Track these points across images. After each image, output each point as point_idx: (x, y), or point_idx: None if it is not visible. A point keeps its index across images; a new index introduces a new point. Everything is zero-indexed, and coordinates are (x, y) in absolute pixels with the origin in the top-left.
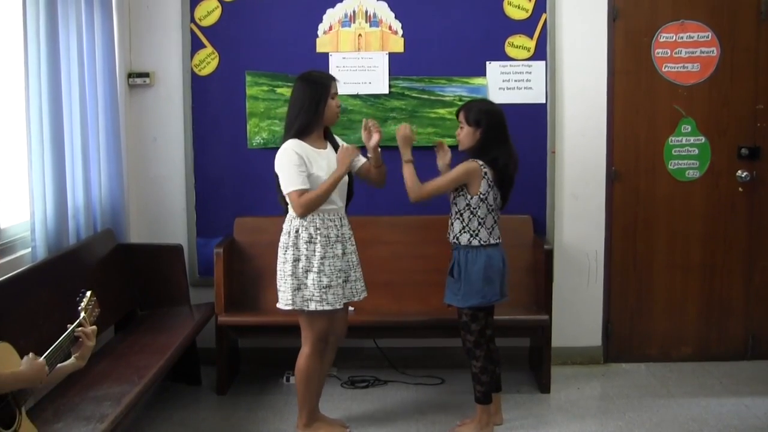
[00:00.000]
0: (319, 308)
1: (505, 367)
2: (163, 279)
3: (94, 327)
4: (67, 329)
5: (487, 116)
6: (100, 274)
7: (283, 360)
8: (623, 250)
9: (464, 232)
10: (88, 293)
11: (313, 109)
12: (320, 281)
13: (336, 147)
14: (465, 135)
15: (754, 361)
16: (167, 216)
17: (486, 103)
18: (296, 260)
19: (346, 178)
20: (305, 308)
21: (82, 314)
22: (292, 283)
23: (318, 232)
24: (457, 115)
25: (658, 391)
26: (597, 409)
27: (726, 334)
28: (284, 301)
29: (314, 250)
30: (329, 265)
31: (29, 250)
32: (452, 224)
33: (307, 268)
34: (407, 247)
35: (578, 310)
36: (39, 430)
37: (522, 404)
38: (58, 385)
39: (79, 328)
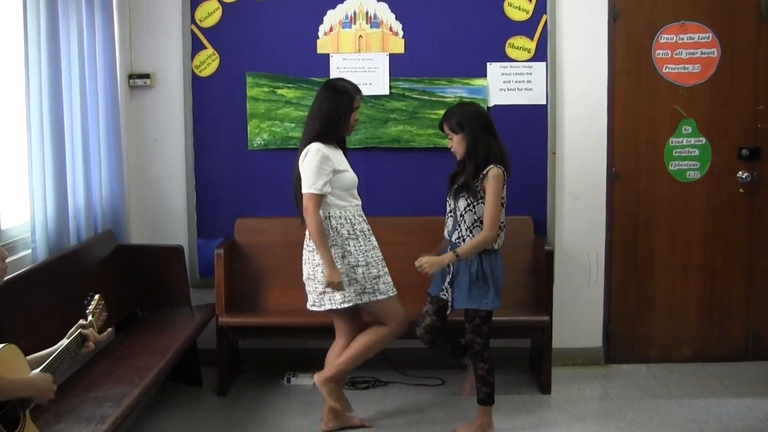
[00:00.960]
0: (379, 298)
1: (506, 369)
2: (163, 280)
3: (107, 333)
4: (73, 332)
5: (469, 118)
6: (101, 275)
7: (284, 361)
8: (624, 251)
9: (467, 234)
10: (96, 297)
11: (335, 119)
12: (369, 273)
13: (345, 150)
14: (457, 143)
15: (754, 362)
16: (168, 217)
17: (463, 105)
18: (343, 257)
19: (356, 178)
20: (373, 299)
21: (90, 317)
22: (346, 280)
23: (354, 228)
24: (441, 128)
25: (658, 392)
26: (597, 410)
27: (727, 334)
28: (340, 299)
29: (358, 244)
30: (373, 256)
31: (30, 251)
32: (470, 231)
33: (354, 263)
34: (408, 248)
35: (579, 311)
36: None
37: (522, 405)
38: (59, 387)
39: (89, 330)
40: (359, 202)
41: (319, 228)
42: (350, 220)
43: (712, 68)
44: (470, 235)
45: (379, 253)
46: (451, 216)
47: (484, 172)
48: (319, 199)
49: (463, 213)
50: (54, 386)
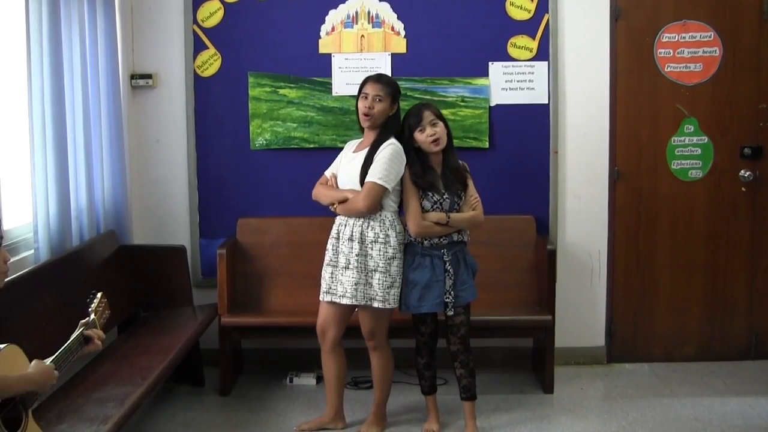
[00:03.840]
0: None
1: (509, 368)
2: (166, 280)
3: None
4: (76, 330)
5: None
6: (103, 275)
7: (286, 361)
8: (626, 250)
9: (466, 230)
10: (99, 295)
11: (356, 108)
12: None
13: (374, 149)
14: (443, 132)
15: (757, 360)
16: (170, 217)
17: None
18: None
19: (346, 183)
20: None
21: (92, 315)
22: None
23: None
24: (426, 115)
25: (661, 391)
26: (600, 409)
27: (729, 333)
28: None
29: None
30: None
31: (32, 251)
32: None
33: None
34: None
35: (581, 310)
36: None
37: (525, 404)
38: (62, 387)
39: (92, 329)
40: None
41: (316, 189)
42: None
43: (714, 67)
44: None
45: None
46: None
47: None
48: (323, 177)
49: (463, 207)
50: (55, 372)
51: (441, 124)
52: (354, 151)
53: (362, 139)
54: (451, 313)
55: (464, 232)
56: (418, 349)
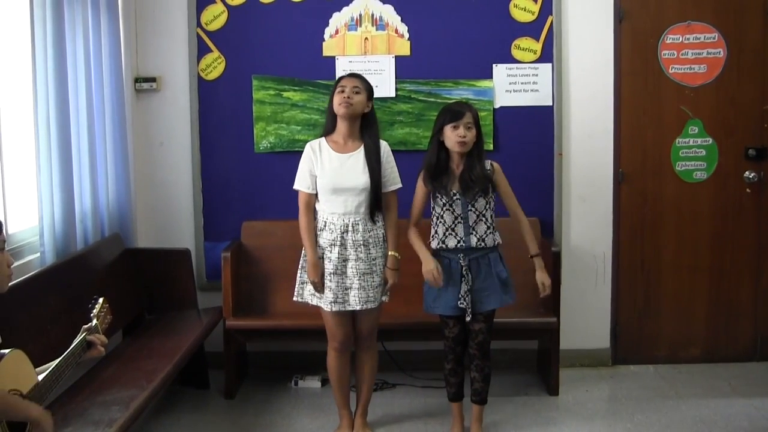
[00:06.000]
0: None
1: (514, 370)
2: (170, 283)
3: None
4: (78, 336)
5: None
6: (108, 278)
7: (291, 363)
8: (631, 251)
9: (491, 231)
10: (101, 300)
11: (328, 107)
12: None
13: (372, 149)
14: (473, 138)
15: (762, 362)
16: (174, 220)
17: None
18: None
19: (338, 183)
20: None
21: (95, 321)
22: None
23: (321, 233)
24: (467, 116)
25: (666, 393)
26: (605, 411)
27: (734, 335)
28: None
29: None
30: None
31: (38, 255)
32: (494, 229)
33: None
34: (414, 250)
35: (586, 312)
36: None
37: (530, 406)
38: (67, 390)
39: (95, 335)
40: (339, 210)
41: (301, 225)
42: (322, 223)
43: (718, 68)
44: (494, 232)
45: (339, 266)
46: (460, 222)
47: (489, 168)
48: (304, 196)
49: (483, 212)
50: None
51: (474, 131)
52: (339, 151)
53: (329, 137)
54: (468, 318)
55: (488, 236)
56: (445, 353)
